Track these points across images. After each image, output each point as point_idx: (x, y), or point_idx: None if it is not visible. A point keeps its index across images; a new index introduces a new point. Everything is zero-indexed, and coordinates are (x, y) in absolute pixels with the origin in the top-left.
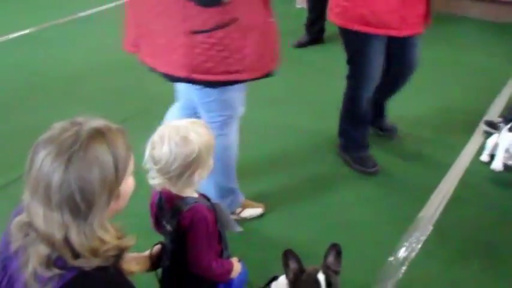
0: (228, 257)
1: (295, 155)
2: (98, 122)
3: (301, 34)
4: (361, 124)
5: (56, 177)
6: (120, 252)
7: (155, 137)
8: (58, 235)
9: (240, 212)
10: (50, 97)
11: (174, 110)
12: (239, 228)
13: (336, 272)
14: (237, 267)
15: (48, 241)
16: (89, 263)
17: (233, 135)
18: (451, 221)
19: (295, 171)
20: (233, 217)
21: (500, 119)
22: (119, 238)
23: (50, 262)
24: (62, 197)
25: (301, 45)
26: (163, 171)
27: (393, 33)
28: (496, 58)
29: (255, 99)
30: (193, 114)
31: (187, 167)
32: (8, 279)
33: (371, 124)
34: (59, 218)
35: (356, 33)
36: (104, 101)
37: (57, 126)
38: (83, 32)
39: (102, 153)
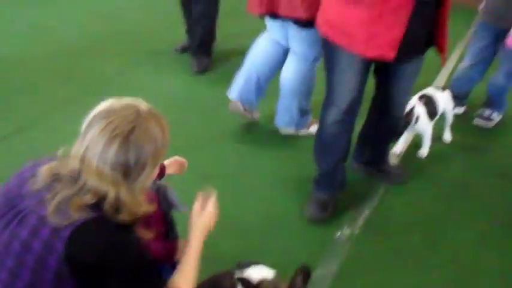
0: (175, 237)
1: None
2: (149, 106)
3: None
4: (325, 154)
5: (114, 148)
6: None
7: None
8: (105, 190)
9: (310, 127)
10: None
11: (262, 44)
12: (184, 208)
13: None
14: (183, 248)
15: (98, 195)
16: (124, 218)
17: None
18: (394, 195)
19: None
20: (305, 131)
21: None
22: (148, 204)
23: (91, 210)
24: (117, 164)
25: None
26: None
27: (358, 49)
28: None
29: None
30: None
31: None
32: (15, 213)
33: (363, 162)
34: (111, 175)
35: (324, 39)
36: (48, 81)
37: (112, 104)
38: (17, 11)
39: (156, 130)
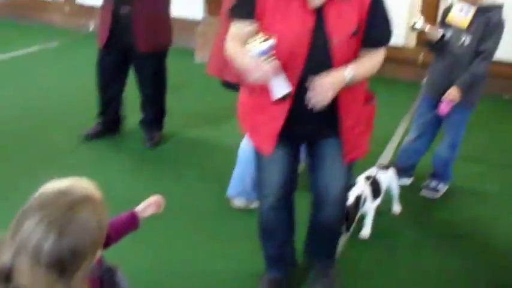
0: None
1: None
2: (81, 188)
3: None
4: (266, 238)
5: (49, 243)
6: None
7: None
8: None
9: None
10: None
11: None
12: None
13: None
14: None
15: None
16: None
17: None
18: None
19: None
20: (256, 204)
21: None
22: None
23: None
24: (52, 260)
25: None
26: None
27: (253, 142)
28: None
29: None
30: None
31: None
32: None
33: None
34: (46, 277)
35: None
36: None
37: (47, 193)
38: None
39: (91, 220)
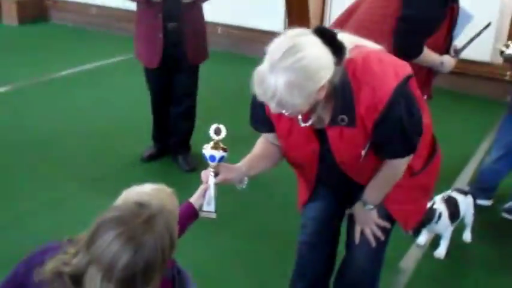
0: None
1: None
2: (158, 200)
3: None
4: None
5: (124, 259)
6: None
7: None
8: None
9: None
10: (22, 156)
11: None
12: None
13: None
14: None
15: None
16: None
17: None
18: None
19: None
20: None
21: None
22: None
23: None
24: (125, 276)
25: None
26: None
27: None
28: (469, 127)
29: None
30: None
31: None
32: None
33: None
34: None
35: None
36: (76, 162)
37: (125, 205)
38: (57, 92)
39: (164, 233)
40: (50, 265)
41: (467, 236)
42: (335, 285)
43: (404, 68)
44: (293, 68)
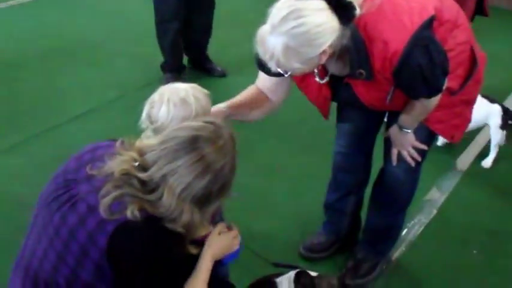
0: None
1: None
2: (228, 128)
3: None
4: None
5: (201, 185)
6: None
7: (155, 96)
8: (185, 219)
9: None
10: (65, 60)
11: None
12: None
13: None
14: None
15: (169, 212)
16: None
17: None
18: (456, 207)
19: None
20: None
21: None
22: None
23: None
24: (200, 196)
25: None
26: (158, 131)
27: None
28: None
29: None
30: None
31: None
32: (70, 196)
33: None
34: (188, 207)
35: None
36: (120, 67)
37: (199, 127)
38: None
39: (234, 156)
40: (119, 166)
41: (487, 161)
42: (373, 192)
43: (422, 13)
44: (292, 34)
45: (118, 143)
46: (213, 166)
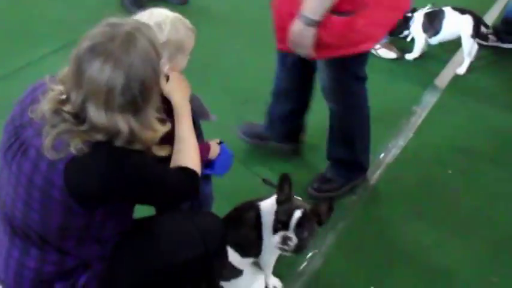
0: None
1: None
2: (129, 22)
3: None
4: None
5: (119, 84)
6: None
7: (145, 14)
8: (124, 129)
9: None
10: None
11: None
12: (214, 117)
13: (319, 222)
14: (214, 147)
15: (109, 132)
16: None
17: None
18: (432, 129)
19: None
20: None
21: (490, 31)
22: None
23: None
24: (125, 100)
25: None
26: None
27: None
28: None
29: None
30: None
31: None
32: (20, 144)
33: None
34: (121, 117)
35: None
36: (87, 5)
37: (97, 32)
38: None
39: (148, 50)
40: (46, 105)
41: (461, 68)
42: (328, 140)
43: None
44: None
45: (47, 79)
46: (121, 63)
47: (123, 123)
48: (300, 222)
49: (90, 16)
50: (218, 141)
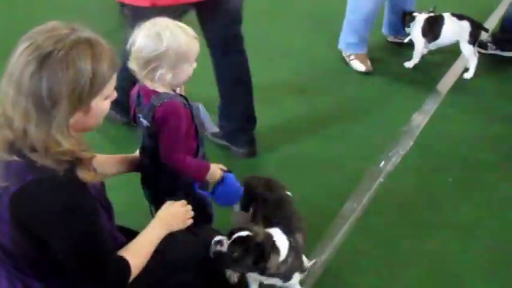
0: (203, 155)
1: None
2: (91, 34)
3: None
4: None
5: (30, 69)
6: (74, 160)
7: (146, 24)
8: (17, 122)
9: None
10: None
11: None
12: (215, 129)
13: (255, 261)
14: (215, 171)
15: (9, 126)
16: (41, 160)
17: None
18: (432, 137)
19: None
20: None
21: (489, 39)
22: (80, 149)
23: (12, 149)
24: (31, 87)
25: None
26: (134, 56)
27: None
28: None
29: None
30: None
31: (150, 61)
32: None
33: None
34: (23, 104)
35: None
36: (89, 12)
37: (52, 24)
38: None
39: (82, 61)
40: None
41: (469, 73)
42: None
43: None
44: None
45: None
46: (39, 53)
47: (21, 113)
48: (238, 241)
49: (90, 23)
50: (225, 168)
